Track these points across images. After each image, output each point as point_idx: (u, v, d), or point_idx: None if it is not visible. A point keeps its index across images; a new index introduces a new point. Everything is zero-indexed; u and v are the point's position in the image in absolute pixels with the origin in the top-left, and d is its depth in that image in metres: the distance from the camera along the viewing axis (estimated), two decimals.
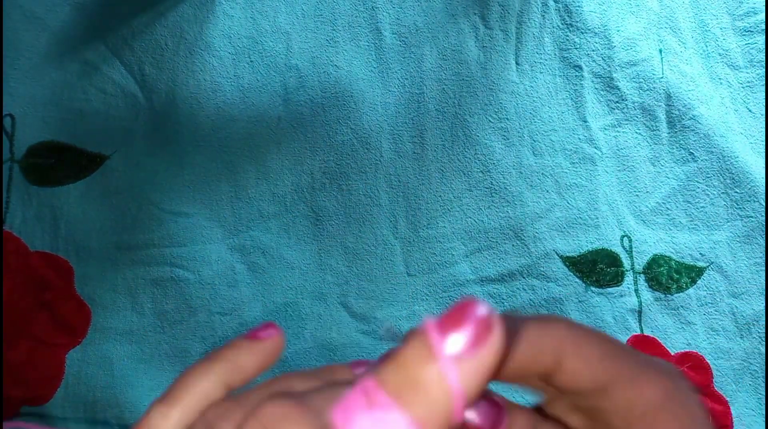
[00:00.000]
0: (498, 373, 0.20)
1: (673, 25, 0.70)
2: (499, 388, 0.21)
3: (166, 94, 0.67)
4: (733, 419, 0.63)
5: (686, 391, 0.20)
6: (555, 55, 0.69)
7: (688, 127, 0.67)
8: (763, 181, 0.66)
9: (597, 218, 0.66)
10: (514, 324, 0.20)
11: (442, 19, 0.70)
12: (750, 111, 0.69)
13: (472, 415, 0.19)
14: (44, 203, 0.64)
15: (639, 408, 0.19)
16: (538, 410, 0.22)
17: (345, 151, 0.67)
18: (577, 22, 0.69)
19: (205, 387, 0.21)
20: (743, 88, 0.69)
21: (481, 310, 0.16)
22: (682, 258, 0.65)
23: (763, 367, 0.63)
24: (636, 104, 0.68)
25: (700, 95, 0.68)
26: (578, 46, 0.69)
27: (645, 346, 0.64)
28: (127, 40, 0.68)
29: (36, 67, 0.67)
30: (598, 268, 0.65)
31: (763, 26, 0.70)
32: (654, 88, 0.68)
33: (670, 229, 0.66)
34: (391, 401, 0.16)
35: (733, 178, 0.66)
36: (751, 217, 0.66)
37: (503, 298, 0.64)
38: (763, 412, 0.63)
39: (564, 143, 0.67)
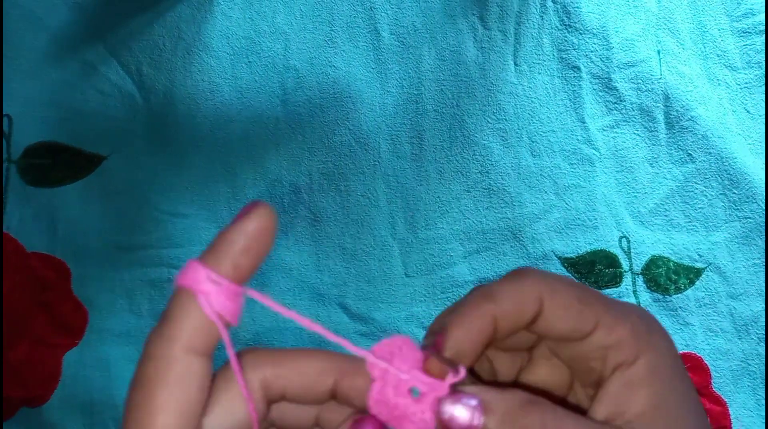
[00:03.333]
0: (492, 337, 0.22)
1: (671, 26, 0.70)
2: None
3: (163, 94, 0.67)
4: (732, 420, 0.62)
5: (651, 329, 0.22)
6: (553, 55, 0.69)
7: (687, 128, 0.67)
8: (762, 182, 0.66)
9: (595, 219, 0.66)
10: (487, 290, 0.22)
11: (441, 19, 0.70)
12: (748, 112, 0.69)
13: None
14: (41, 204, 0.64)
15: (612, 346, 0.22)
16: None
17: (343, 152, 0.66)
18: (575, 22, 0.69)
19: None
20: (741, 89, 0.69)
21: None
22: (681, 259, 0.65)
23: (762, 368, 0.63)
24: (634, 105, 0.68)
25: (698, 96, 0.68)
26: (576, 47, 0.69)
27: None
28: (125, 40, 0.68)
29: (34, 67, 0.67)
30: (596, 269, 0.65)
31: (762, 27, 0.70)
32: (652, 89, 0.68)
33: (669, 230, 0.66)
34: None
35: (732, 179, 0.66)
36: (750, 218, 0.66)
37: None
38: (762, 413, 0.63)
39: (562, 144, 0.67)
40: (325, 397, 0.21)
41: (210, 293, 0.19)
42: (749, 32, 0.70)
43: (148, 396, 0.19)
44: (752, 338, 0.64)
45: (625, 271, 0.65)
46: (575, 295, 0.22)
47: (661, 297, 0.65)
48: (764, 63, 0.69)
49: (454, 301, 0.64)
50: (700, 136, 0.67)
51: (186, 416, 0.18)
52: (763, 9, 0.70)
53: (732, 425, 0.62)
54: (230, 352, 0.19)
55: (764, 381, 0.63)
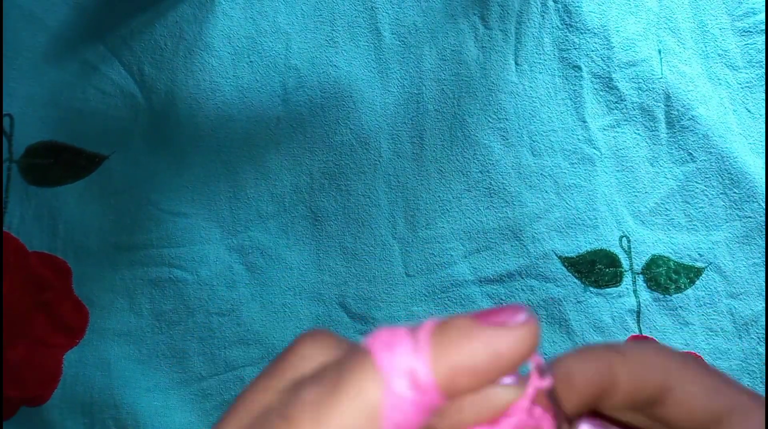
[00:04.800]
0: (603, 403, 0.19)
1: (672, 26, 0.70)
2: None
3: (165, 94, 0.67)
4: None
5: None
6: (554, 55, 0.69)
7: (687, 128, 0.67)
8: (762, 181, 0.66)
9: (596, 219, 0.66)
10: (612, 343, 0.19)
11: (442, 19, 0.70)
12: (749, 111, 0.69)
13: None
14: (42, 203, 0.64)
15: None
16: None
17: (344, 152, 0.66)
18: (576, 22, 0.69)
19: None
20: (742, 88, 0.69)
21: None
22: (681, 258, 0.65)
23: (762, 368, 0.63)
24: (635, 104, 0.68)
25: (699, 96, 0.68)
26: (577, 47, 0.69)
27: None
28: (126, 39, 0.68)
29: (34, 67, 0.67)
30: (596, 269, 0.65)
31: (763, 26, 0.70)
32: (653, 88, 0.68)
33: (669, 230, 0.66)
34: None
35: (732, 179, 0.66)
36: (750, 217, 0.66)
37: (502, 299, 0.64)
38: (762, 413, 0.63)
39: (563, 143, 0.67)
40: None
41: (402, 397, 0.13)
42: (750, 31, 0.70)
43: None
44: (752, 338, 0.64)
45: (626, 271, 0.65)
46: (711, 378, 0.18)
47: (661, 296, 0.65)
48: (765, 62, 0.69)
49: (454, 300, 0.64)
50: (700, 136, 0.67)
51: None
52: (764, 8, 0.70)
53: None
54: None
55: (764, 380, 0.63)
